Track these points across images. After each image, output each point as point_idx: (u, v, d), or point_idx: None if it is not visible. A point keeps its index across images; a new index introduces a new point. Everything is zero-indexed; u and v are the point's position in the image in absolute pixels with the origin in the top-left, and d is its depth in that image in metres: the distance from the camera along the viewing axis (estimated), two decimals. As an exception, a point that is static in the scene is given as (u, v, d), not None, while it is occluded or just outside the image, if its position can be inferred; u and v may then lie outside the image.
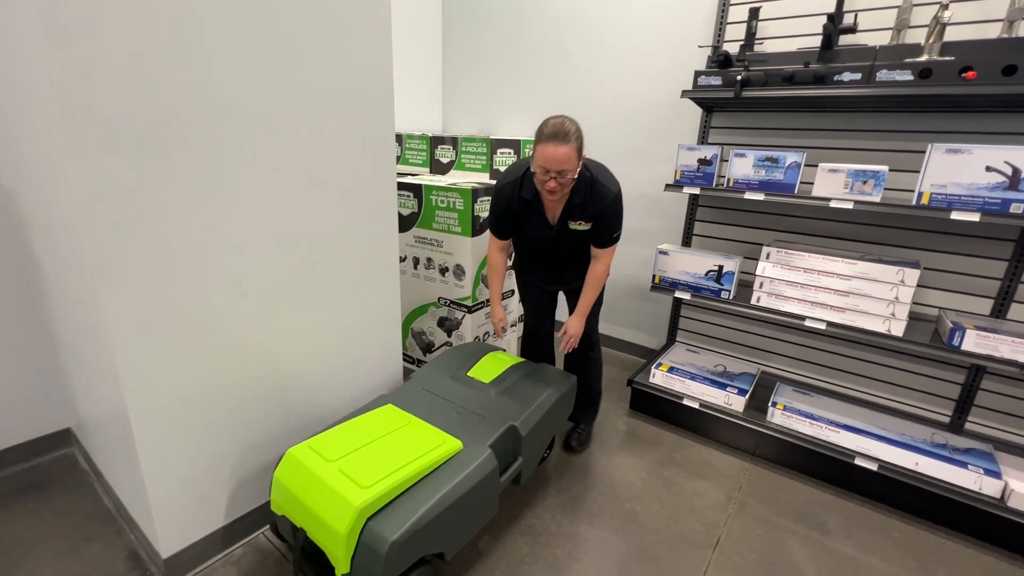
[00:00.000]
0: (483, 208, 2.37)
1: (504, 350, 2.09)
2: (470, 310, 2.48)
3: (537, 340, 2.17)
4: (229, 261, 1.38)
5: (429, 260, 2.59)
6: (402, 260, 2.68)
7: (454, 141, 2.92)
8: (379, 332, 1.92)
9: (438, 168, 3.02)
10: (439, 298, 2.59)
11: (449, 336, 2.60)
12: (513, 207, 1.79)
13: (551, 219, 1.80)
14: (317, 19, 1.43)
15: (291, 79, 1.40)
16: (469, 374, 1.87)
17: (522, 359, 2.01)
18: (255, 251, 1.43)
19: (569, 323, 1.90)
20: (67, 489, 1.82)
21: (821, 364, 2.39)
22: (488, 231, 1.95)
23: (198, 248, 1.30)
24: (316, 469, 1.34)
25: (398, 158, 3.23)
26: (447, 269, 2.52)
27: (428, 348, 2.74)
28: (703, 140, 2.43)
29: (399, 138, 3.20)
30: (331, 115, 1.53)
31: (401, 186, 2.50)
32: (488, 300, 2.41)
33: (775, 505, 1.89)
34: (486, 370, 1.89)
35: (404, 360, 2.84)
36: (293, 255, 1.54)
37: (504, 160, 2.79)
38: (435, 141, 3.01)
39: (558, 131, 1.53)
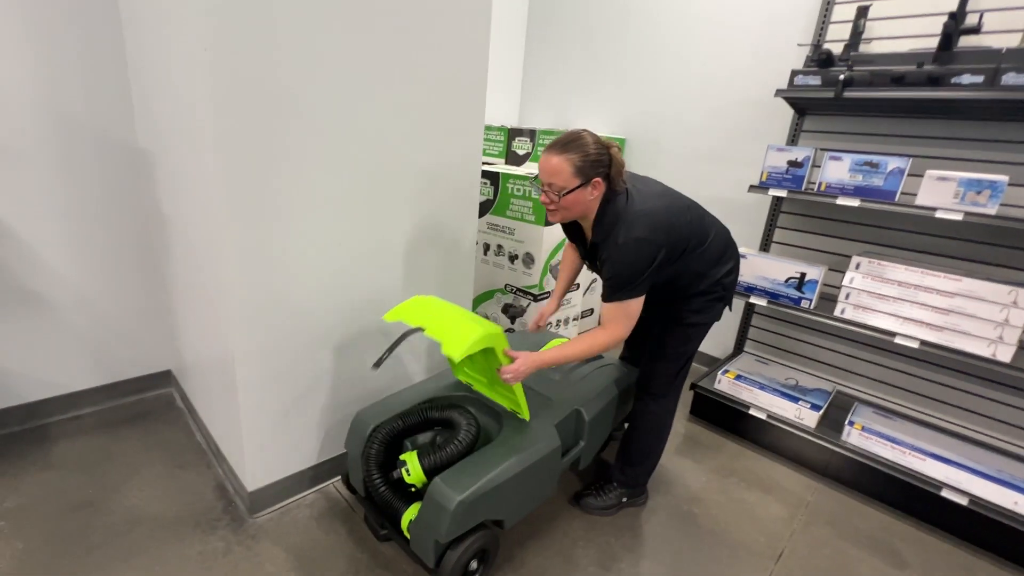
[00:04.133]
0: (558, 198, 2.39)
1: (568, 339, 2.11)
2: (536, 298, 2.51)
3: (631, 342, 1.94)
4: (331, 217, 1.49)
5: (500, 247, 2.65)
6: (473, 245, 2.76)
7: (532, 134, 2.97)
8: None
9: (514, 159, 3.08)
10: (506, 285, 2.65)
11: (512, 323, 2.65)
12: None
13: (588, 245, 1.53)
14: (428, 15, 1.52)
15: (399, 64, 1.50)
16: None
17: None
18: (354, 212, 1.54)
19: (520, 357, 1.40)
20: (166, 423, 2.02)
21: (905, 388, 2.23)
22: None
23: (307, 201, 1.42)
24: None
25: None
26: (516, 256, 2.56)
27: (490, 333, 2.80)
28: (792, 143, 2.34)
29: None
30: (428, 99, 1.61)
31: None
32: None
33: (845, 527, 1.79)
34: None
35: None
36: (384, 221, 1.64)
37: (580, 154, 2.80)
38: (513, 133, 3.07)
39: (559, 140, 1.33)
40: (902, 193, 1.84)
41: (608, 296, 1.40)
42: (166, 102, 1.53)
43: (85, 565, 1.38)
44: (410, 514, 1.37)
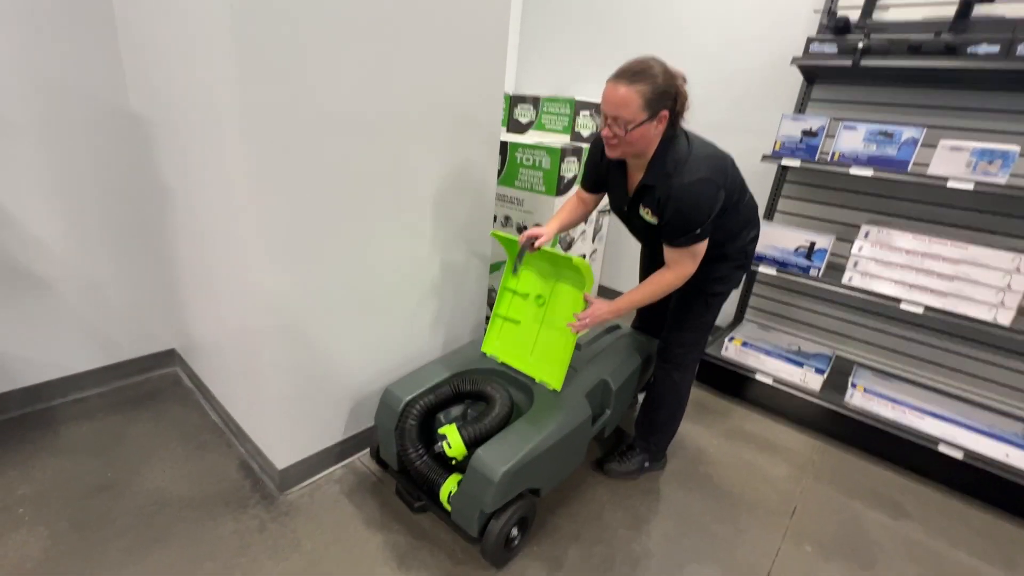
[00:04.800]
0: (569, 168, 2.36)
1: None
2: (545, 270, 2.50)
3: (644, 312, 2.03)
4: (354, 188, 1.43)
5: (507, 218, 2.61)
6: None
7: (535, 101, 2.89)
8: (470, 278, 1.98)
9: (516, 127, 3.00)
10: (513, 256, 2.62)
11: (520, 295, 2.64)
12: (600, 164, 1.54)
13: (629, 190, 1.51)
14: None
15: (419, 30, 1.42)
16: None
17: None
18: (374, 184, 1.48)
19: (596, 303, 1.50)
20: (177, 403, 1.96)
21: (902, 352, 2.34)
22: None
23: (329, 172, 1.36)
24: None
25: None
26: (525, 227, 2.53)
27: (497, 305, 2.79)
28: (800, 112, 2.35)
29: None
30: (448, 64, 1.55)
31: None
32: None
33: (849, 484, 1.89)
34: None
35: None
36: (406, 190, 1.59)
37: (586, 123, 2.76)
38: (515, 100, 2.99)
39: (627, 69, 1.26)
40: (914, 164, 1.88)
41: (673, 239, 1.39)
42: (172, 67, 1.42)
43: (118, 548, 1.36)
44: (449, 486, 1.38)
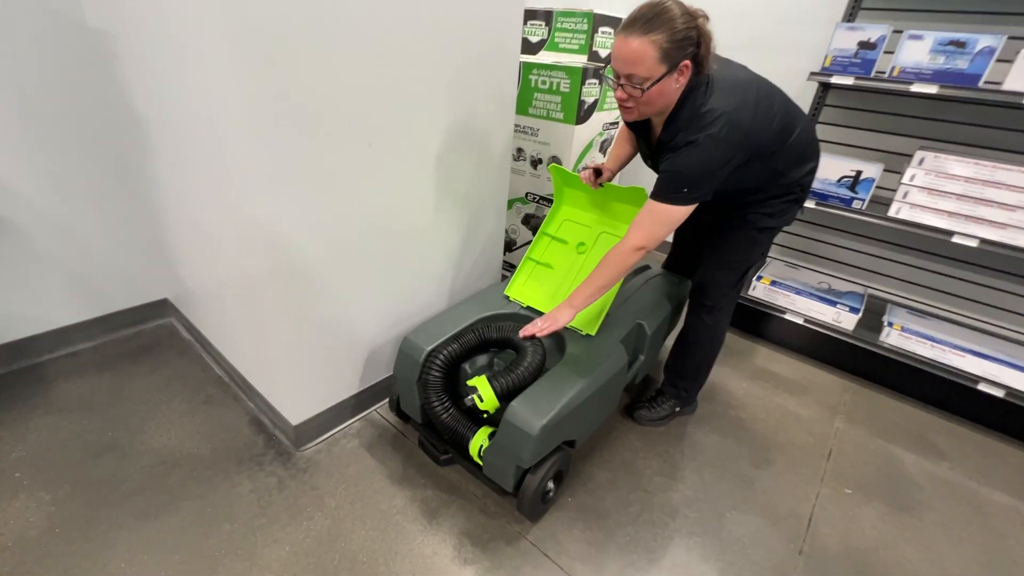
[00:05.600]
0: (591, 92, 2.12)
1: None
2: (562, 208, 2.32)
3: (678, 248, 1.88)
4: (359, 123, 1.23)
5: (519, 151, 2.39)
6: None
7: (547, 16, 2.57)
8: (489, 217, 1.81)
9: (526, 48, 2.70)
10: (527, 194, 2.43)
11: (534, 236, 2.47)
12: None
13: (653, 142, 1.33)
14: None
15: None
16: None
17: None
18: (384, 117, 1.28)
19: (555, 310, 1.32)
20: (176, 355, 1.84)
21: (940, 290, 2.22)
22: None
23: (332, 104, 1.15)
24: None
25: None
26: (540, 161, 2.32)
27: (509, 246, 2.63)
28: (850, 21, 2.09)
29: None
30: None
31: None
32: None
33: (884, 424, 1.84)
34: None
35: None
36: (419, 125, 1.38)
37: (605, 41, 2.47)
38: (525, 15, 2.66)
39: (638, 16, 1.06)
40: (984, 81, 1.67)
41: (658, 193, 1.20)
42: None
43: (129, 512, 1.27)
44: (479, 440, 1.28)
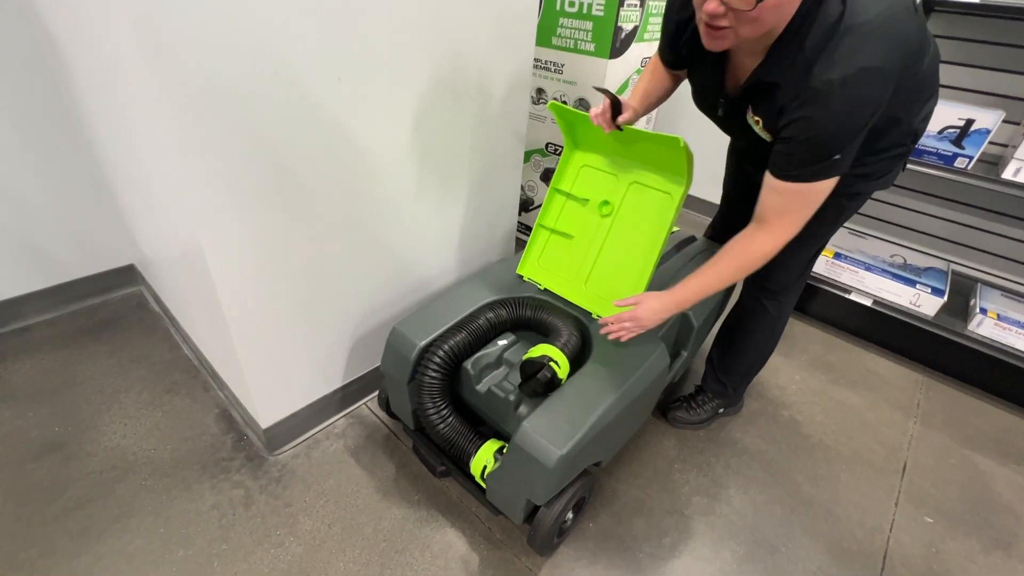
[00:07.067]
0: (629, 17, 1.71)
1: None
2: (590, 162, 1.97)
3: (726, 218, 1.49)
4: (323, 52, 0.90)
5: (539, 91, 2.01)
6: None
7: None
8: (503, 170, 1.49)
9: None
10: (547, 144, 2.08)
11: (555, 193, 2.14)
12: (680, 23, 0.98)
13: (729, 85, 0.99)
14: None
15: None
16: None
17: (681, 229, 1.56)
18: (357, 44, 0.94)
19: (641, 298, 1.06)
20: (141, 332, 1.61)
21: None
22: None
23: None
24: None
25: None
26: (565, 103, 1.95)
27: (525, 206, 2.30)
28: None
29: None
30: None
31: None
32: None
33: (968, 431, 1.54)
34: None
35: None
36: (405, 55, 1.04)
37: (648, -48, 2.01)
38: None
39: None
40: None
41: (786, 169, 0.87)
42: None
43: (67, 531, 1.07)
44: (483, 458, 1.04)
